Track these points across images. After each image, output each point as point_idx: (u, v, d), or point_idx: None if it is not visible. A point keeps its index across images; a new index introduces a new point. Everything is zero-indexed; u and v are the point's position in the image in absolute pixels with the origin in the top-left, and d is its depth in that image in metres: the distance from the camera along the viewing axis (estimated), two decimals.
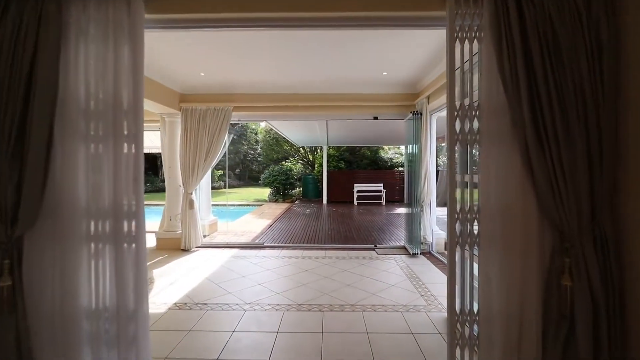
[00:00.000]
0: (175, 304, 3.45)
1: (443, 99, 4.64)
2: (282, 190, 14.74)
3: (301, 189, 16.10)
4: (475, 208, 1.93)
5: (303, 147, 18.06)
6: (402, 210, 11.50)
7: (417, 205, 5.39)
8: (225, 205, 10.74)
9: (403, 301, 3.50)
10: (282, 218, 9.79)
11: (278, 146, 17.91)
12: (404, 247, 5.81)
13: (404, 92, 5.66)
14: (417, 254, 5.26)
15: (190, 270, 4.61)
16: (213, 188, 22.99)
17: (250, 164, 29.15)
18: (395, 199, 14.10)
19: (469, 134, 1.98)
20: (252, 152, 27.52)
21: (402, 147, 15.97)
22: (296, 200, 15.00)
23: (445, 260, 4.98)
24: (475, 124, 1.95)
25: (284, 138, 14.54)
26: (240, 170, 29.64)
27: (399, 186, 14.23)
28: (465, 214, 1.98)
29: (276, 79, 5.10)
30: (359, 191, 13.61)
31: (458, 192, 2.02)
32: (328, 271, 4.53)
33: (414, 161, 5.46)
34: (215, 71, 4.78)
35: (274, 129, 9.14)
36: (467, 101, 2.01)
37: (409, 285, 4.00)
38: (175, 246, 5.81)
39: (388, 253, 5.49)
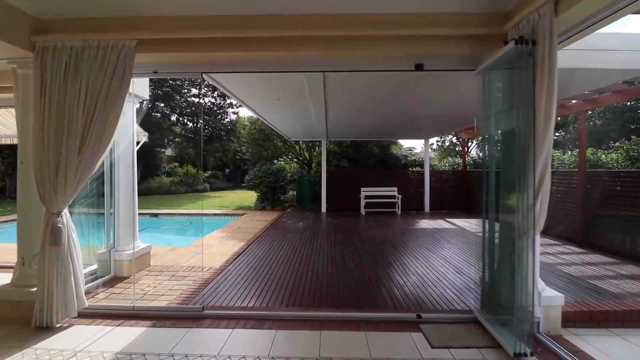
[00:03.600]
0: None
1: None
2: (270, 195, 11.88)
3: (295, 193, 13.26)
4: None
5: (298, 143, 15.20)
6: (427, 224, 8.61)
7: (516, 236, 2.52)
8: (149, 214, 7.87)
9: None
10: (263, 237, 6.93)
11: (268, 142, 14.99)
12: (475, 321, 2.95)
13: (478, 11, 2.79)
14: (526, 355, 2.38)
15: None
16: (196, 191, 20.33)
17: (241, 164, 26.33)
18: (412, 207, 11.23)
19: None
20: (243, 149, 24.67)
21: (419, 143, 13.12)
22: (289, 207, 12.14)
23: None
24: None
25: (273, 130, 11.70)
26: (230, 171, 26.83)
27: (417, 190, 11.38)
28: None
29: None
30: (367, 197, 10.74)
31: None
32: None
33: (512, 147, 2.61)
34: None
35: (237, 101, 5.88)
36: None
37: None
38: (29, 316, 2.96)
39: (453, 343, 2.61)
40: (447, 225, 8.40)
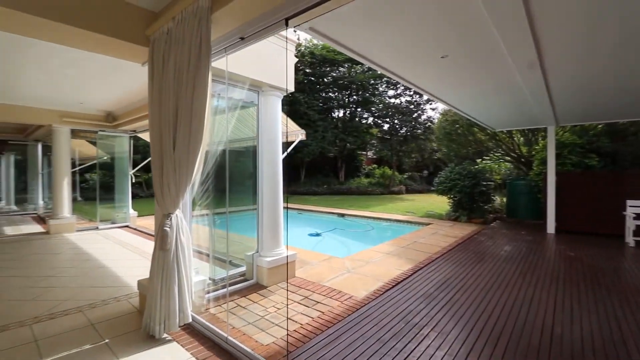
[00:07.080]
0: None
1: None
2: (467, 202, 9.38)
3: (505, 202, 9.96)
4: None
5: (511, 135, 11.51)
6: None
7: None
8: (337, 214, 7.21)
9: None
10: (441, 260, 5.11)
11: (469, 136, 12.11)
12: None
13: None
14: None
15: None
16: (391, 193, 19.93)
17: (441, 165, 23.81)
18: None
19: None
20: (435, 147, 22.16)
21: None
22: (493, 220, 9.20)
23: None
24: None
25: (470, 121, 9.13)
26: (429, 173, 24.88)
27: None
28: None
29: None
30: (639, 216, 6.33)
31: None
32: None
33: None
34: None
35: (373, 66, 3.90)
36: None
37: None
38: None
39: None
40: None
